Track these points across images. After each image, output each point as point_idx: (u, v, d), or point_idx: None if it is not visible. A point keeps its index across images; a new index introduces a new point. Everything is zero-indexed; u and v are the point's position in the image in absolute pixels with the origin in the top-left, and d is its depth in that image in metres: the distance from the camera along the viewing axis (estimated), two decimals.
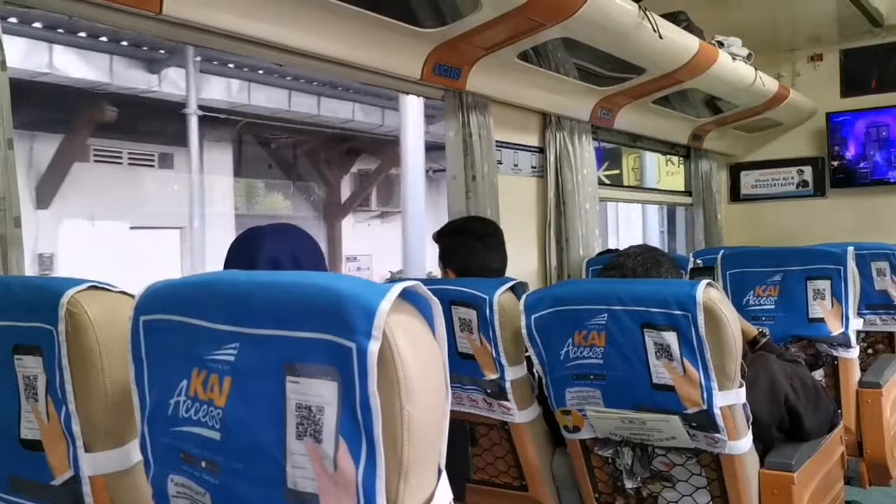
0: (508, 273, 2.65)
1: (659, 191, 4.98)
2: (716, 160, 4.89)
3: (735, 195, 5.14)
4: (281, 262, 1.47)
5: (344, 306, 0.79)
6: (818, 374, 2.63)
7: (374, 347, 0.77)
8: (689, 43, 3.00)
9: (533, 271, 3.20)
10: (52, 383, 1.08)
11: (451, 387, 1.89)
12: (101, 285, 1.10)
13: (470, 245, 2.17)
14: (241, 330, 0.87)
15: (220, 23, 1.87)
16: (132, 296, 1.01)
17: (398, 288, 0.81)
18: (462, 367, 1.89)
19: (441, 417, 0.85)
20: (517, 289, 1.86)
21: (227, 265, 1.49)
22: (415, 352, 0.80)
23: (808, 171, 4.89)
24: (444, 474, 0.86)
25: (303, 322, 0.82)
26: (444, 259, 2.21)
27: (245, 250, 1.50)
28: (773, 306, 2.67)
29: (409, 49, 2.33)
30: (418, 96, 2.68)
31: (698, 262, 3.02)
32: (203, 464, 0.90)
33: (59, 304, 1.05)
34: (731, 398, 1.57)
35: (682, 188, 4.99)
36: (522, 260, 3.12)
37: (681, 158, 4.96)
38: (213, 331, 0.89)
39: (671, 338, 1.57)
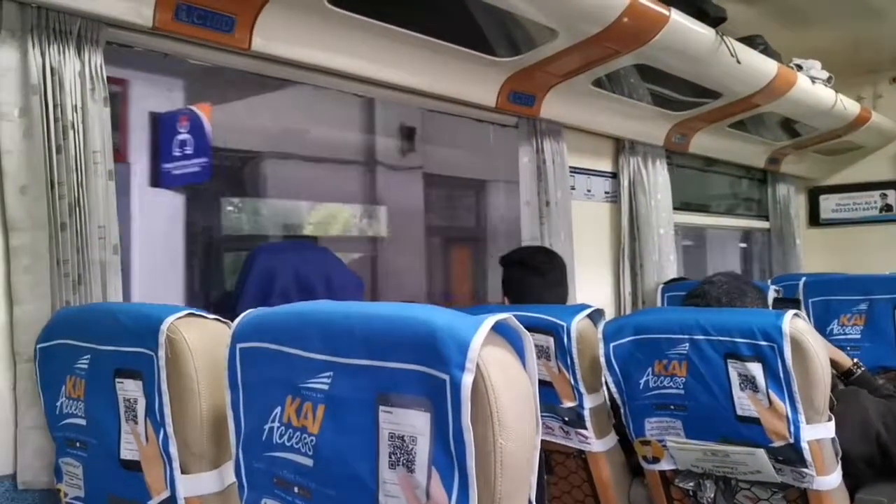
0: (581, 299, 2.65)
1: (736, 215, 4.87)
2: (794, 184, 4.77)
3: (814, 220, 5.00)
4: (313, 283, 1.48)
5: (438, 339, 0.81)
6: None
7: (467, 380, 0.78)
8: (766, 67, 2.96)
9: (607, 297, 3.18)
10: (150, 406, 1.12)
11: None
12: (199, 313, 1.14)
13: (527, 279, 2.17)
14: (336, 359, 0.89)
15: (306, 57, 1.94)
16: (227, 323, 1.05)
17: (491, 320, 0.82)
18: (539, 395, 1.89)
19: (532, 450, 0.85)
20: (594, 316, 1.86)
21: (249, 284, 1.50)
22: (507, 385, 0.81)
23: (891, 195, 4.72)
24: None
25: (397, 353, 0.84)
26: (504, 286, 2.22)
27: (272, 271, 1.51)
28: (858, 336, 2.59)
29: (485, 78, 2.37)
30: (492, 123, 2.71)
31: (778, 289, 2.95)
32: (296, 489, 0.92)
33: (159, 330, 1.09)
34: (819, 432, 1.53)
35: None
36: (596, 286, 3.10)
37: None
38: (307, 359, 0.92)
39: (756, 369, 1.54)
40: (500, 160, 3.08)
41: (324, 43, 1.94)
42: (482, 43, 2.23)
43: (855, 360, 2.02)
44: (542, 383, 1.89)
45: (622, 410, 1.78)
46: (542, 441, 1.89)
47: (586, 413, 1.84)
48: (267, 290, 1.45)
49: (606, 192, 3.21)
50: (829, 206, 4.94)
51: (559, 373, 1.85)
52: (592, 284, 3.05)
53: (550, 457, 2.01)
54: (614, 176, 3.23)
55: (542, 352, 1.88)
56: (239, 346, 0.99)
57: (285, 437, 0.93)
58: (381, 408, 0.84)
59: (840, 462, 1.59)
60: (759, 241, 5.17)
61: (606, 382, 1.77)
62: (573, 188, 2.95)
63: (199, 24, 1.66)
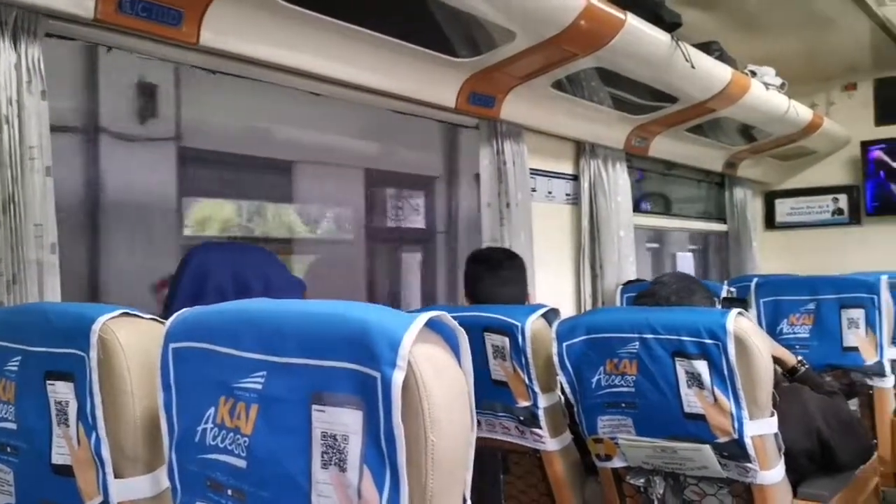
0: (542, 300, 2.67)
1: (694, 218, 4.95)
2: (751, 188, 4.87)
3: (770, 223, 5.12)
4: (250, 283, 1.44)
5: (370, 336, 0.80)
6: (853, 404, 2.60)
7: (398, 377, 0.78)
8: (721, 72, 3.02)
9: (568, 298, 3.21)
10: (82, 409, 1.08)
11: (484, 414, 1.94)
12: (133, 312, 1.10)
13: (483, 274, 2.19)
14: (269, 358, 0.88)
15: (258, 54, 1.91)
16: (163, 322, 1.02)
17: (423, 318, 0.82)
18: (495, 395, 1.91)
19: (466, 447, 0.85)
20: (549, 316, 1.88)
21: (183, 283, 1.46)
22: (440, 381, 0.81)
23: (843, 200, 4.85)
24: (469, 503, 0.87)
25: (330, 351, 0.83)
26: (465, 286, 2.24)
27: (207, 270, 1.47)
28: (807, 335, 2.65)
29: (444, 78, 2.38)
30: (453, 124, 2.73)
31: (732, 290, 3.01)
32: (229, 492, 0.91)
33: (90, 330, 1.06)
34: (762, 428, 1.57)
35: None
36: (557, 286, 3.14)
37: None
38: (241, 359, 0.91)
39: (702, 366, 1.58)
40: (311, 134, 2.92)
41: (276, 39, 1.91)
42: (441, 43, 2.24)
43: (799, 357, 2.08)
44: (497, 383, 1.91)
45: (575, 409, 1.80)
46: (499, 441, 1.94)
47: (541, 412, 1.86)
48: (201, 288, 1.42)
49: (567, 194, 3.25)
50: (785, 209, 5.06)
51: (514, 372, 1.87)
52: (553, 285, 3.08)
53: (507, 456, 2.02)
54: (575, 178, 3.27)
55: (497, 352, 1.89)
56: (171, 345, 0.98)
57: (218, 439, 0.92)
58: (315, 407, 0.84)
59: (783, 457, 1.63)
60: (712, 243, 5.28)
61: (560, 382, 1.80)
62: (534, 190, 2.98)
63: (144, 16, 1.63)
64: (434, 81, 2.36)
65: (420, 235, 4.56)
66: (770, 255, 4.89)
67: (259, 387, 0.89)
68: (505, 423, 1.93)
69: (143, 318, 1.11)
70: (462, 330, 0.87)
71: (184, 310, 1.00)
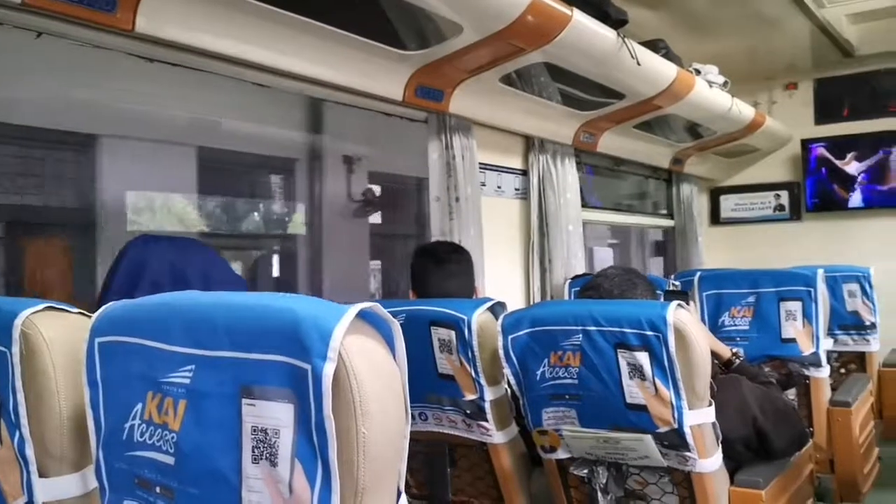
0: (491, 294, 2.69)
1: (641, 213, 5.04)
2: (697, 184, 4.97)
3: (715, 218, 5.23)
4: (189, 278, 1.42)
5: (301, 328, 0.80)
6: (791, 394, 2.68)
7: (329, 369, 0.77)
8: (666, 70, 3.07)
9: (517, 292, 3.24)
10: (5, 407, 1.05)
11: (431, 407, 1.94)
12: (59, 306, 1.07)
13: (429, 268, 2.19)
14: (198, 352, 0.87)
15: (196, 41, 1.86)
16: (90, 317, 0.99)
17: (355, 309, 0.81)
18: (442, 388, 1.91)
19: (400, 439, 0.85)
20: (496, 309, 1.89)
21: (118, 275, 1.42)
22: (372, 373, 0.81)
23: (784, 196, 4.99)
24: (404, 496, 0.87)
25: (260, 344, 0.82)
26: (411, 280, 2.24)
27: (144, 262, 1.43)
28: (747, 327, 2.73)
29: (391, 71, 2.37)
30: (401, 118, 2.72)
31: (676, 283, 3.07)
32: (157, 489, 0.89)
33: (12, 325, 1.02)
34: (700, 417, 1.61)
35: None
36: (506, 280, 3.16)
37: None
38: (168, 353, 0.89)
39: (643, 358, 1.60)
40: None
41: (217, 28, 1.87)
42: (388, 35, 2.23)
43: (734, 350, 2.13)
44: (444, 377, 1.91)
45: (521, 401, 1.81)
46: (447, 434, 1.95)
47: (487, 405, 1.87)
48: (136, 281, 1.39)
49: (517, 189, 3.27)
50: (729, 205, 5.18)
51: (461, 366, 1.88)
52: (503, 279, 3.10)
53: (454, 449, 2.03)
54: (524, 173, 3.29)
55: (444, 345, 1.90)
56: (97, 340, 0.96)
57: (146, 436, 0.90)
58: (244, 401, 0.83)
59: (720, 445, 1.67)
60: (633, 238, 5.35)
61: (506, 374, 1.81)
62: (483, 184, 2.99)
63: (77, 2, 1.57)
64: (381, 74, 2.34)
65: (269, 228, 4.09)
66: (715, 250, 5.00)
67: (187, 381, 0.87)
68: (452, 417, 1.94)
69: (69, 312, 1.08)
70: (396, 322, 0.87)
71: (111, 303, 0.98)
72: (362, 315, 0.83)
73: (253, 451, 0.82)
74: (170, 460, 0.88)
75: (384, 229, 5.24)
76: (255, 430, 0.82)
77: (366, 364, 0.81)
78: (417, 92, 2.45)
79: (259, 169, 4.03)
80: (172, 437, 0.87)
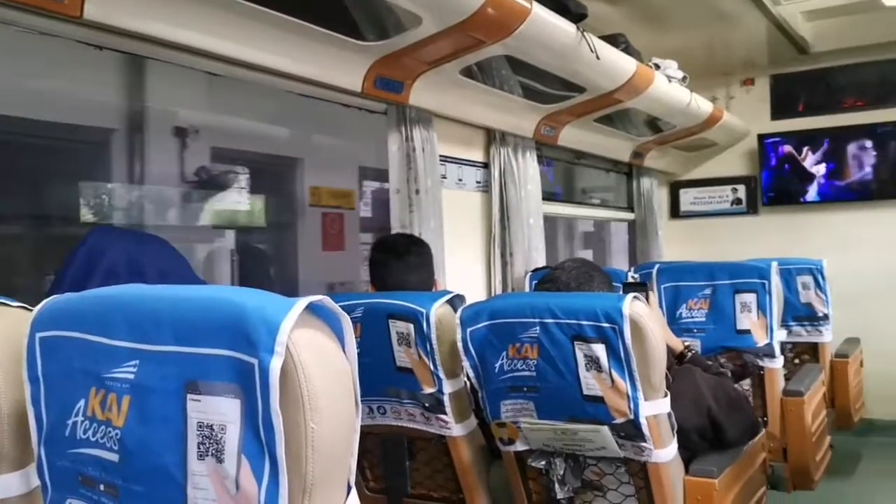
0: (452, 287, 2.69)
1: (603, 206, 5.08)
2: (657, 178, 5.02)
3: (675, 212, 5.30)
4: (145, 271, 1.39)
5: (248, 322, 0.78)
6: (746, 384, 2.73)
7: (276, 363, 0.77)
8: (626, 64, 3.09)
9: (478, 285, 3.24)
10: None
11: (389, 401, 1.94)
12: (0, 301, 1.04)
13: (388, 262, 2.17)
14: (142, 347, 0.85)
15: (148, 29, 1.82)
16: (32, 310, 0.97)
17: (303, 302, 0.80)
18: (400, 381, 1.91)
19: (350, 433, 0.84)
20: (455, 301, 1.89)
21: (73, 264, 1.39)
22: (320, 367, 0.80)
23: (741, 190, 5.07)
24: (354, 490, 0.86)
25: (205, 338, 0.81)
26: (370, 273, 2.23)
27: (102, 251, 1.40)
28: (704, 319, 2.77)
29: (350, 62, 2.34)
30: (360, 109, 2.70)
31: (635, 276, 3.10)
32: (101, 486, 0.88)
33: None
34: (656, 408, 1.63)
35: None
36: (467, 273, 3.16)
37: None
38: (112, 348, 0.87)
39: (600, 350, 1.62)
40: None
41: (168, 15, 1.83)
42: (346, 26, 2.21)
43: (687, 343, 2.16)
44: (402, 370, 1.91)
45: (480, 394, 1.82)
46: (405, 428, 1.94)
47: (446, 398, 1.87)
48: (92, 268, 1.35)
49: (478, 182, 3.27)
50: (688, 199, 5.25)
51: (419, 359, 1.87)
52: (464, 272, 3.10)
53: (412, 443, 2.02)
54: (486, 166, 3.29)
55: (402, 338, 1.89)
56: (38, 335, 0.93)
57: (90, 432, 0.88)
58: (190, 396, 0.81)
59: (676, 435, 1.69)
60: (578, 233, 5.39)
61: (465, 367, 1.81)
62: (444, 177, 2.98)
63: None
64: (339, 65, 2.32)
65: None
66: (675, 243, 5.06)
67: (131, 377, 0.85)
68: (410, 410, 1.93)
69: (10, 306, 1.05)
70: (345, 315, 0.87)
71: (52, 297, 0.96)
72: (311, 308, 0.83)
73: (198, 448, 0.81)
74: (114, 457, 0.86)
75: (236, 217, 4.57)
76: (200, 426, 0.81)
77: (314, 358, 0.80)
78: (377, 83, 2.43)
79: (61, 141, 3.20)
80: (116, 434, 0.86)
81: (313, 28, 2.09)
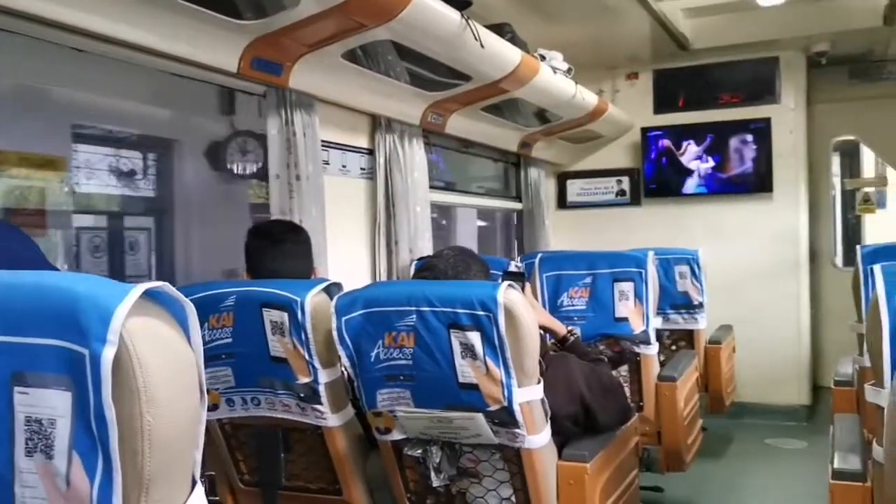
0: (336, 275, 2.63)
1: (491, 195, 5.13)
2: (544, 168, 5.11)
3: (562, 202, 5.42)
4: None
5: (79, 309, 0.75)
6: (623, 370, 2.81)
7: (108, 353, 0.74)
8: (511, 54, 3.11)
9: (363, 273, 3.19)
10: None
11: (263, 392, 1.87)
12: None
13: (264, 249, 2.11)
14: None
15: (10, 3, 1.70)
16: None
17: (140, 289, 0.77)
18: (274, 372, 1.85)
19: (194, 425, 0.82)
20: (331, 290, 1.85)
21: None
22: (159, 357, 0.77)
23: (625, 182, 5.24)
24: (199, 485, 0.84)
25: (34, 327, 0.77)
26: (246, 260, 2.15)
27: None
28: (584, 307, 2.83)
29: (225, 41, 2.24)
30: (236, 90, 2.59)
31: (519, 265, 3.14)
32: None
33: None
34: (529, 395, 1.64)
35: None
36: (352, 262, 3.11)
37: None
38: None
39: (475, 338, 1.62)
40: None
41: None
42: (220, 2, 2.10)
43: (570, 328, 2.20)
44: (276, 360, 1.85)
45: (356, 383, 1.79)
46: (279, 419, 1.88)
47: (321, 388, 1.82)
48: None
49: (363, 169, 3.21)
50: (575, 189, 5.37)
51: (294, 349, 1.82)
52: (348, 261, 3.05)
53: (288, 435, 1.97)
54: (371, 152, 3.24)
55: (276, 327, 1.83)
56: None
57: None
58: (17, 389, 0.77)
59: (549, 422, 1.71)
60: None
61: (341, 357, 1.77)
62: (327, 163, 2.91)
63: None
64: (213, 44, 2.21)
65: None
66: (562, 233, 5.18)
67: None
68: (285, 401, 1.88)
69: None
70: (189, 303, 0.83)
71: None
72: (151, 295, 0.79)
73: (26, 444, 0.77)
74: None
75: None
76: (28, 421, 0.77)
77: (152, 347, 0.77)
78: (253, 64, 2.33)
79: None
80: None
81: (185, 4, 1.98)
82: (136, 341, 0.75)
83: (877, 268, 1.30)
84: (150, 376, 0.76)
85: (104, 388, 0.73)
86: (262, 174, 3.51)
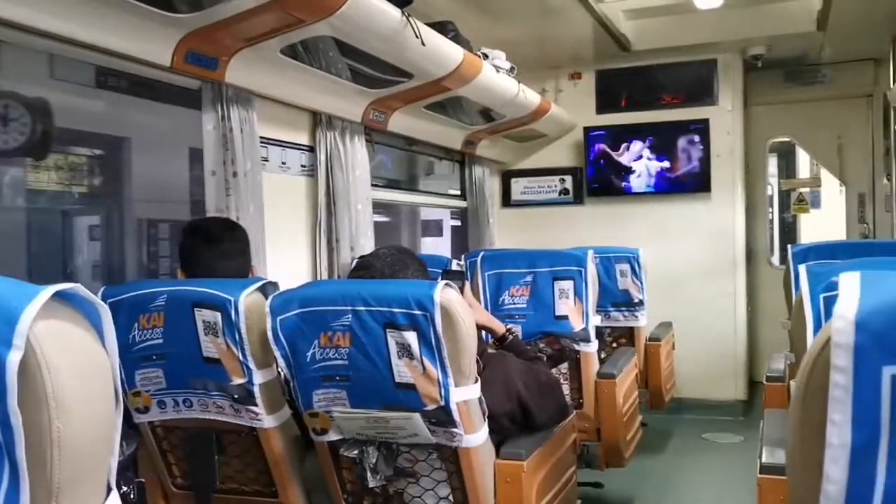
0: (275, 274, 2.58)
1: (434, 194, 5.12)
2: (489, 167, 5.12)
3: (506, 201, 5.44)
4: None
5: None
6: (564, 367, 2.84)
7: (14, 358, 0.70)
8: (453, 52, 3.10)
9: (303, 271, 3.15)
10: None
11: (196, 393, 1.83)
12: None
13: (200, 247, 2.07)
14: None
15: None
16: None
17: (50, 290, 0.74)
18: (207, 373, 1.81)
19: (108, 431, 0.80)
20: (267, 289, 1.81)
21: None
22: (69, 361, 0.74)
23: (568, 180, 5.29)
24: (115, 493, 0.81)
25: None
26: (180, 258, 2.10)
27: None
28: (525, 305, 2.84)
29: (158, 34, 2.17)
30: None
31: (461, 263, 3.14)
32: None
33: None
34: (466, 394, 1.64)
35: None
36: (291, 260, 3.06)
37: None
38: None
39: (412, 337, 1.60)
40: None
41: None
42: None
43: (509, 326, 2.21)
44: (209, 360, 1.81)
45: (292, 384, 1.76)
46: (213, 421, 1.84)
47: (256, 389, 1.79)
48: None
49: (303, 166, 3.17)
50: (519, 188, 5.40)
51: (227, 349, 1.78)
52: (288, 259, 3.00)
53: (221, 437, 1.93)
54: (311, 150, 3.19)
55: (209, 328, 1.79)
56: None
57: None
58: None
59: (487, 420, 1.71)
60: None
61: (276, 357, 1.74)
62: (266, 160, 2.86)
63: None
64: (145, 36, 2.14)
65: None
66: (507, 232, 5.20)
67: None
68: (219, 403, 1.84)
69: None
70: (104, 304, 0.80)
71: None
72: (63, 297, 0.76)
73: None
74: None
75: None
76: None
77: (62, 351, 0.74)
78: (188, 58, 2.27)
79: None
80: None
81: None
82: (44, 345, 0.72)
83: (802, 268, 1.33)
84: (59, 382, 0.73)
85: (9, 395, 0.70)
86: (33, 150, 3.15)
